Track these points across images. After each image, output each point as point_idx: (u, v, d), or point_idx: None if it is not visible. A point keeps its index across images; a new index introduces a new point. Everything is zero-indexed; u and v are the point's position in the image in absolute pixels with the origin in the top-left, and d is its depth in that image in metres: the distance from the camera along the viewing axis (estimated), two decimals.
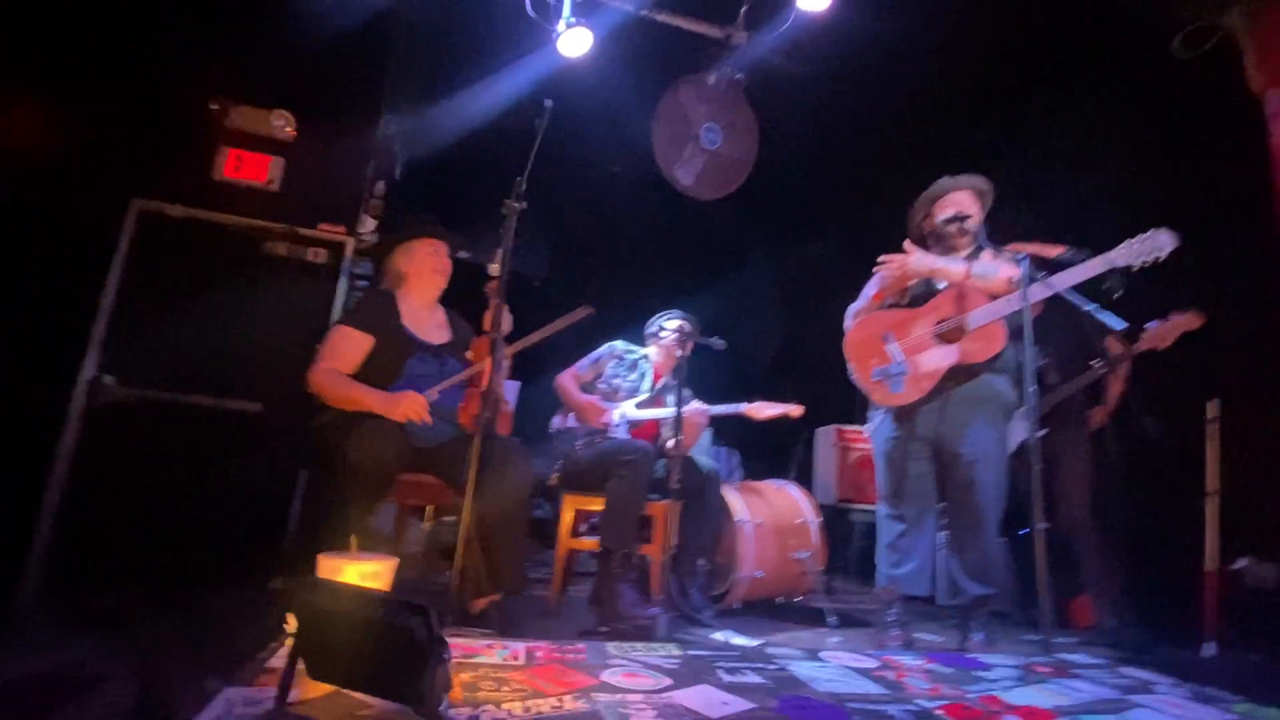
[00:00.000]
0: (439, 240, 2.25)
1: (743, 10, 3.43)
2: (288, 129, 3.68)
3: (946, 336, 2.24)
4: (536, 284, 5.57)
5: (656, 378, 2.75)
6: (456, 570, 1.68)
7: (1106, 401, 2.83)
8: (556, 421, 2.61)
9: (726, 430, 4.67)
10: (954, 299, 2.28)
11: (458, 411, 2.00)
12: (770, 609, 2.69)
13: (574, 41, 3.27)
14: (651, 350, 2.79)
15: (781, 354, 5.64)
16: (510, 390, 2.96)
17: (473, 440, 1.95)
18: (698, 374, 4.02)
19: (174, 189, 3.26)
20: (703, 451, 3.85)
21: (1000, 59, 3.40)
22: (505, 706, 1.15)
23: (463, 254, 4.89)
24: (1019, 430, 2.78)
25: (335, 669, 1.03)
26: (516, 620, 1.91)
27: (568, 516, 2.38)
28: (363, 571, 1.44)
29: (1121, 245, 1.98)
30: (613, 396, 2.63)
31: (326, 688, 1.06)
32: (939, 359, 2.23)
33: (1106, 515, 2.86)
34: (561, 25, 3.19)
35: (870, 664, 1.73)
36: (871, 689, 1.49)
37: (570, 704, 1.20)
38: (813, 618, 2.57)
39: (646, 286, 5.27)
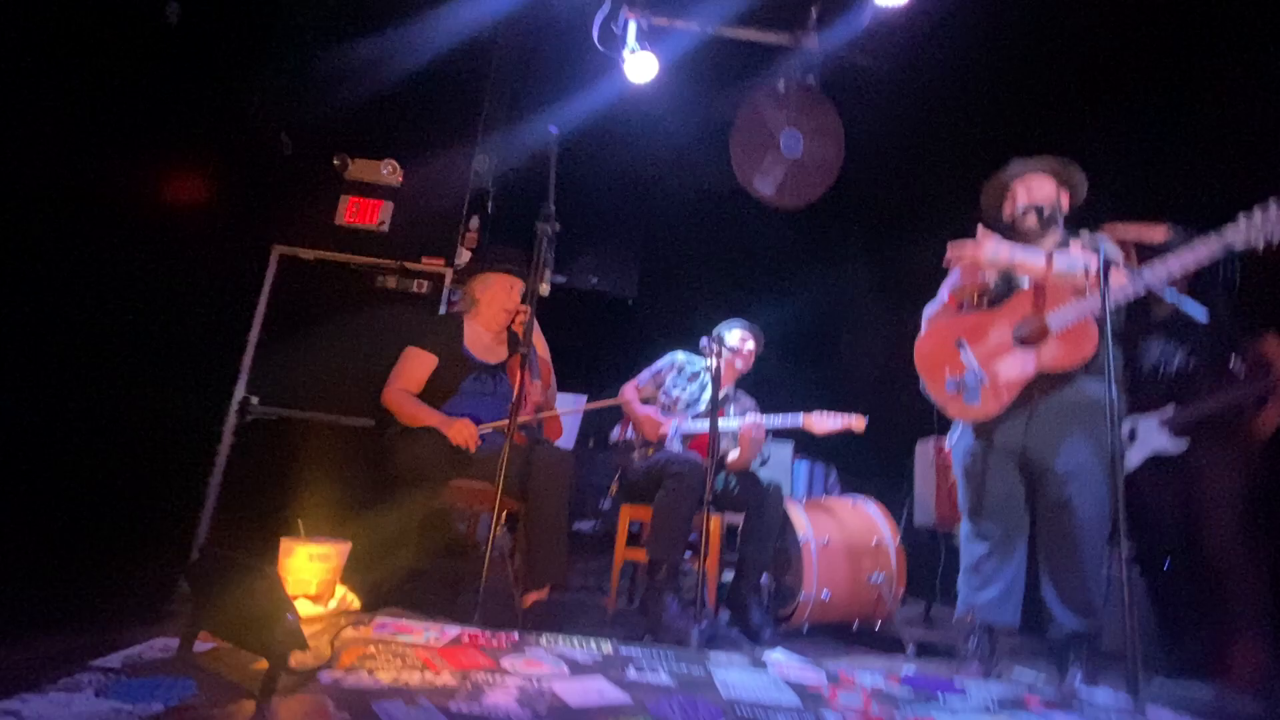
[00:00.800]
0: (517, 279, 2.39)
1: (814, 14, 3.35)
2: (395, 176, 4.15)
3: (1028, 340, 2.02)
4: (630, 302, 5.74)
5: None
6: (512, 570, 1.79)
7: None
8: (616, 433, 2.67)
9: (821, 444, 4.48)
10: (1034, 297, 2.05)
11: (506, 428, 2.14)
12: (843, 633, 2.53)
13: (640, 67, 3.37)
14: (712, 361, 2.77)
15: (881, 361, 5.32)
16: (573, 402, 3.07)
17: (520, 450, 2.09)
18: (781, 385, 3.93)
19: (306, 235, 3.79)
20: (782, 466, 3.73)
21: (1081, 35, 3.03)
22: (377, 674, 1.22)
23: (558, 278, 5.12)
24: (1153, 438, 2.41)
25: (218, 624, 1.23)
26: (564, 622, 1.98)
27: (624, 526, 2.42)
28: (311, 553, 1.61)
29: (1237, 220, 1.70)
30: (672, 408, 2.65)
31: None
32: (1019, 366, 2.00)
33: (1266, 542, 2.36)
34: (626, 53, 3.31)
35: (813, 678, 1.58)
36: (788, 700, 1.37)
37: (444, 679, 1.23)
38: (890, 645, 2.39)
39: (733, 298, 5.24)
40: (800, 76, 3.48)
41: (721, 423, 2.51)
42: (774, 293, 5.10)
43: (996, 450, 2.09)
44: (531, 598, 1.89)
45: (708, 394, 2.69)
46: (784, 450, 3.71)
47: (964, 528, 2.17)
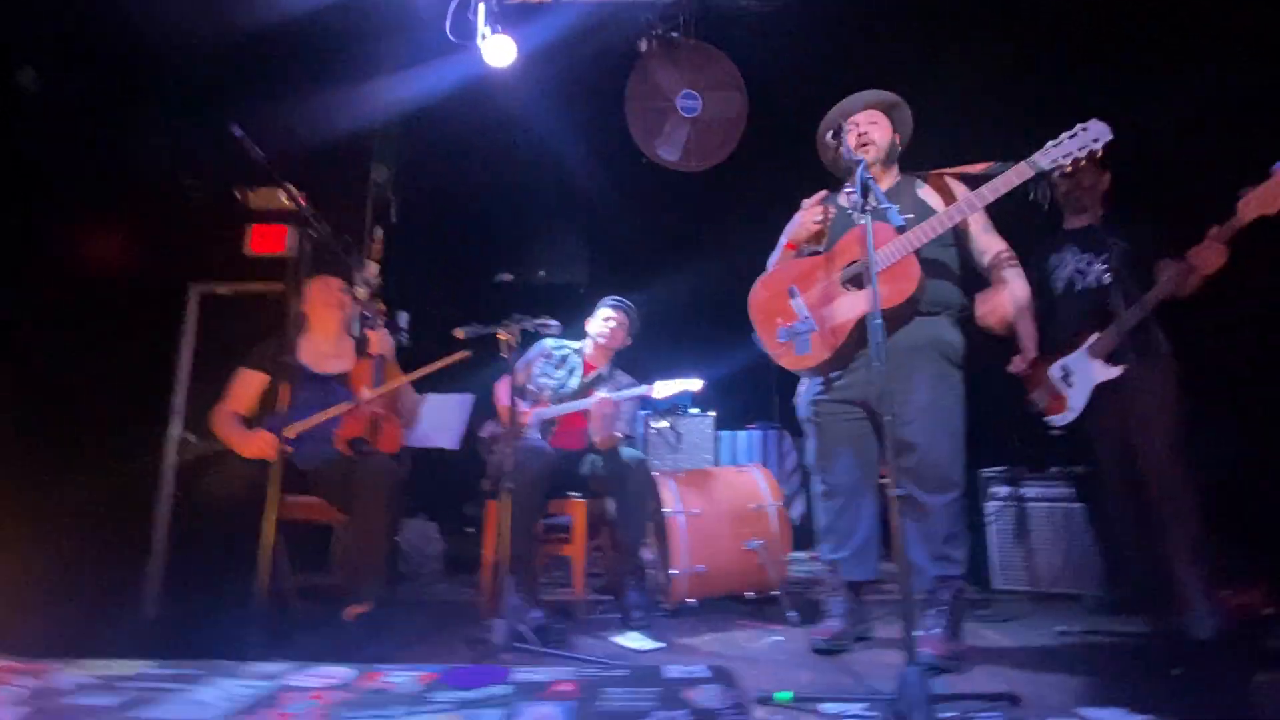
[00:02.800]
0: (331, 277, 2.39)
1: None
2: (295, 200, 4.17)
3: (856, 281, 1.90)
4: (581, 290, 5.67)
5: (587, 371, 2.65)
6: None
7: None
8: (486, 428, 2.63)
9: (765, 412, 4.34)
10: (861, 238, 1.90)
11: (334, 436, 2.12)
12: (735, 605, 2.44)
13: (498, 51, 3.28)
14: (585, 343, 2.70)
15: None
16: (458, 403, 3.04)
17: (343, 461, 2.08)
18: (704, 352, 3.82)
19: (219, 270, 3.86)
20: (704, 440, 3.63)
21: None
22: None
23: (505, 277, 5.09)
24: (1088, 371, 2.23)
25: None
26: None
27: (491, 525, 2.38)
28: None
29: (1045, 147, 1.73)
30: (539, 396, 2.59)
31: None
32: (848, 308, 1.89)
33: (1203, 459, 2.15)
34: (479, 39, 3.22)
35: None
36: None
37: None
38: (777, 614, 2.29)
39: (679, 277, 5.10)
40: (664, 32, 3.31)
41: (574, 403, 2.44)
42: (714, 259, 4.94)
43: (841, 400, 1.97)
44: (353, 611, 1.88)
45: (575, 379, 2.62)
46: (703, 423, 3.60)
47: (815, 485, 2.06)
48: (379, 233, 4.13)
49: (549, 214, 5.35)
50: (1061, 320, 2.31)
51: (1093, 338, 2.20)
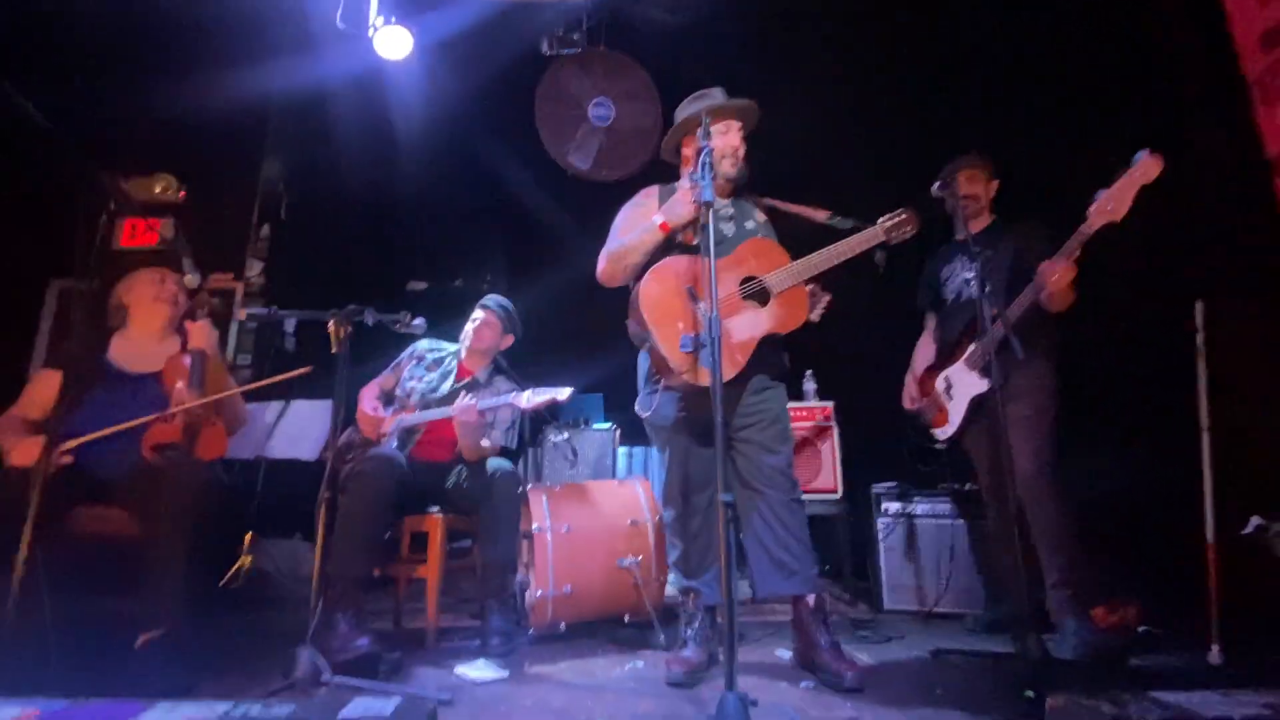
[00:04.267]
0: (166, 270, 2.17)
1: None
2: (173, 190, 3.88)
3: (758, 297, 1.85)
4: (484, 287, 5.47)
5: (463, 374, 2.47)
6: None
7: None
8: (344, 435, 2.41)
9: None
10: (760, 251, 1.89)
11: (140, 442, 1.88)
12: (609, 629, 2.27)
13: (392, 42, 3.13)
14: (460, 347, 2.52)
15: None
16: (326, 413, 2.81)
17: (147, 470, 1.84)
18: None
19: (84, 265, 3.52)
20: (603, 454, 3.48)
21: None
22: None
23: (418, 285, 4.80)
24: (965, 384, 2.18)
25: None
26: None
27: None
28: None
29: (885, 219, 1.87)
30: (406, 403, 2.39)
31: None
32: (750, 325, 1.82)
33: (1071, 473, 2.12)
34: (371, 31, 3.07)
35: None
36: None
37: None
38: (648, 639, 2.13)
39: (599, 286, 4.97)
40: (563, 34, 3.23)
41: (436, 410, 2.26)
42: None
43: (700, 419, 1.85)
44: (143, 637, 1.63)
45: (449, 383, 2.44)
46: (603, 438, 3.45)
47: (669, 513, 1.96)
48: (266, 230, 3.88)
49: (464, 220, 5.17)
50: (948, 331, 2.29)
51: (970, 349, 2.17)
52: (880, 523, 2.71)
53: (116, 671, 1.52)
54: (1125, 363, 2.49)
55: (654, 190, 2.05)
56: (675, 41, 3.68)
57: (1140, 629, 2.05)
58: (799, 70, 3.67)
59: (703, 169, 1.45)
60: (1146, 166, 1.77)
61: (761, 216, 2.03)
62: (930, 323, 2.46)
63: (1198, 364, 1.96)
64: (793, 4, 3.40)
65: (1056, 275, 1.89)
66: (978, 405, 2.16)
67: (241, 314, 2.03)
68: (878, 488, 2.77)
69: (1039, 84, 2.96)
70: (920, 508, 2.68)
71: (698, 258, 1.81)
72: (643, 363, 2.02)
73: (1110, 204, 1.79)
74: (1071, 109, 2.72)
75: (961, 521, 2.61)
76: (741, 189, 2.05)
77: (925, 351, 2.43)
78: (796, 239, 1.96)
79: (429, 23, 3.19)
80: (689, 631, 1.85)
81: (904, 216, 1.85)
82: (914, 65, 3.39)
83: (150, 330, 2.13)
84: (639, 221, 1.94)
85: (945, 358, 2.29)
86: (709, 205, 1.45)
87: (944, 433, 2.28)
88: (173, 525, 1.70)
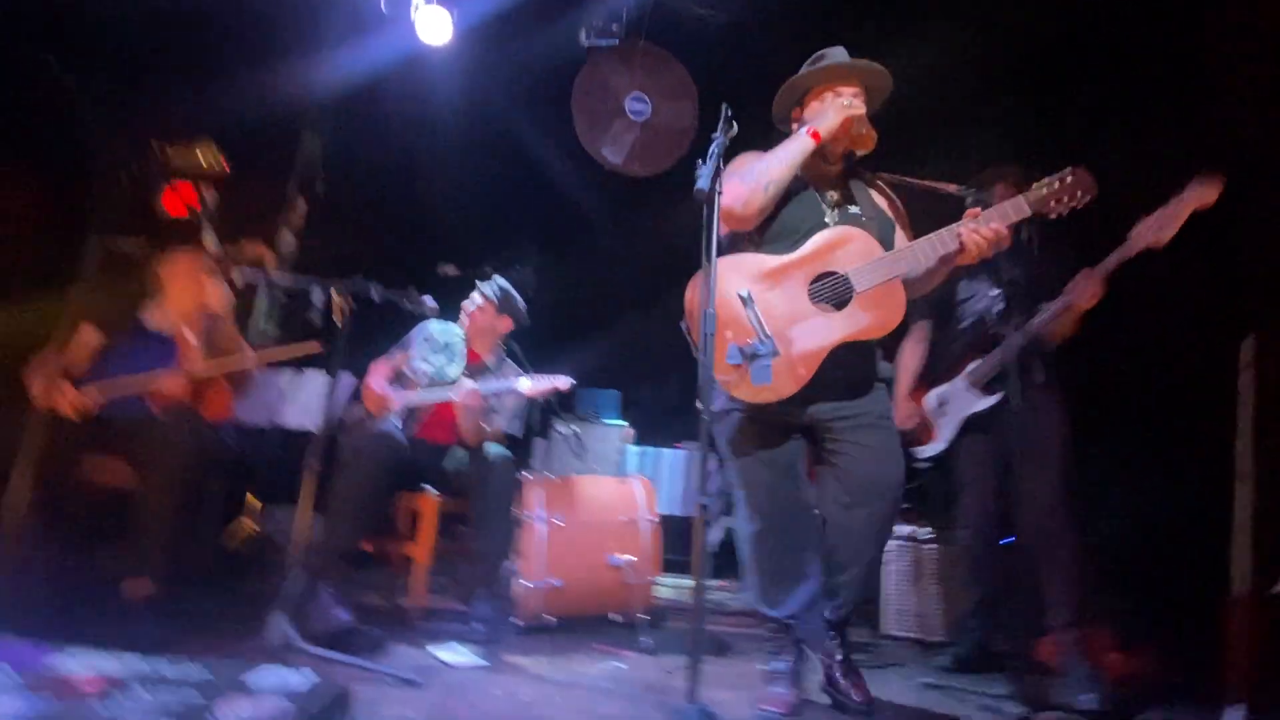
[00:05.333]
0: (198, 251, 2.25)
1: None
2: (215, 160, 3.99)
3: (832, 298, 1.57)
4: (530, 291, 5.49)
5: (473, 359, 2.47)
6: None
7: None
8: (352, 410, 2.43)
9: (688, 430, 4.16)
10: (838, 243, 1.57)
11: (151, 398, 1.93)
12: (596, 627, 2.23)
13: (432, 24, 3.15)
14: (461, 323, 2.52)
15: None
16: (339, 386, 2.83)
17: (148, 424, 1.88)
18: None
19: (124, 224, 3.65)
20: (611, 453, 3.45)
21: None
22: None
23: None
24: (961, 401, 2.10)
25: None
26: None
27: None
28: None
29: (1039, 186, 1.52)
30: (413, 383, 2.40)
31: None
32: (821, 333, 1.53)
33: (1089, 516, 2.00)
34: (414, 10, 3.09)
35: None
36: None
37: None
38: (634, 640, 2.09)
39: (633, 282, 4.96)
40: (602, 24, 3.21)
41: (439, 391, 2.26)
42: (663, 264, 4.80)
43: (769, 427, 1.64)
44: (134, 588, 1.66)
45: (456, 366, 2.44)
46: (614, 434, 3.42)
47: (747, 530, 1.67)
48: (301, 203, 3.96)
49: (497, 207, 5.20)
50: (952, 345, 2.18)
51: (972, 365, 2.07)
52: (888, 546, 2.61)
53: (94, 618, 1.54)
54: (1155, 396, 2.35)
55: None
56: (716, 39, 3.63)
57: (1153, 678, 1.92)
58: None
59: (710, 158, 1.36)
60: (1203, 191, 1.66)
61: (880, 200, 1.73)
62: (920, 332, 2.28)
63: (1240, 404, 1.83)
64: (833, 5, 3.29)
65: (1090, 292, 1.78)
66: (973, 426, 2.06)
67: (235, 276, 2.07)
68: None
69: (1105, 89, 2.79)
70: (927, 532, 2.58)
71: (762, 256, 1.61)
72: None
73: (1157, 226, 1.68)
74: (1123, 121, 2.57)
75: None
76: (854, 166, 1.72)
77: (910, 364, 2.27)
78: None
79: (469, 5, 3.20)
80: (775, 665, 1.64)
81: (1071, 179, 1.47)
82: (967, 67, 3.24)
83: (181, 301, 2.19)
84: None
85: (940, 373, 2.18)
86: (705, 200, 1.35)
87: (927, 451, 2.18)
88: (167, 479, 1.73)
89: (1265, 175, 1.89)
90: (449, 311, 2.47)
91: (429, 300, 2.11)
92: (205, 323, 2.06)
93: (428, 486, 2.23)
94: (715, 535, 3.80)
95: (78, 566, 1.73)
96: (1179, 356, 2.26)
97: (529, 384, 2.09)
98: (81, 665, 0.63)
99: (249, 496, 2.78)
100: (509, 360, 2.55)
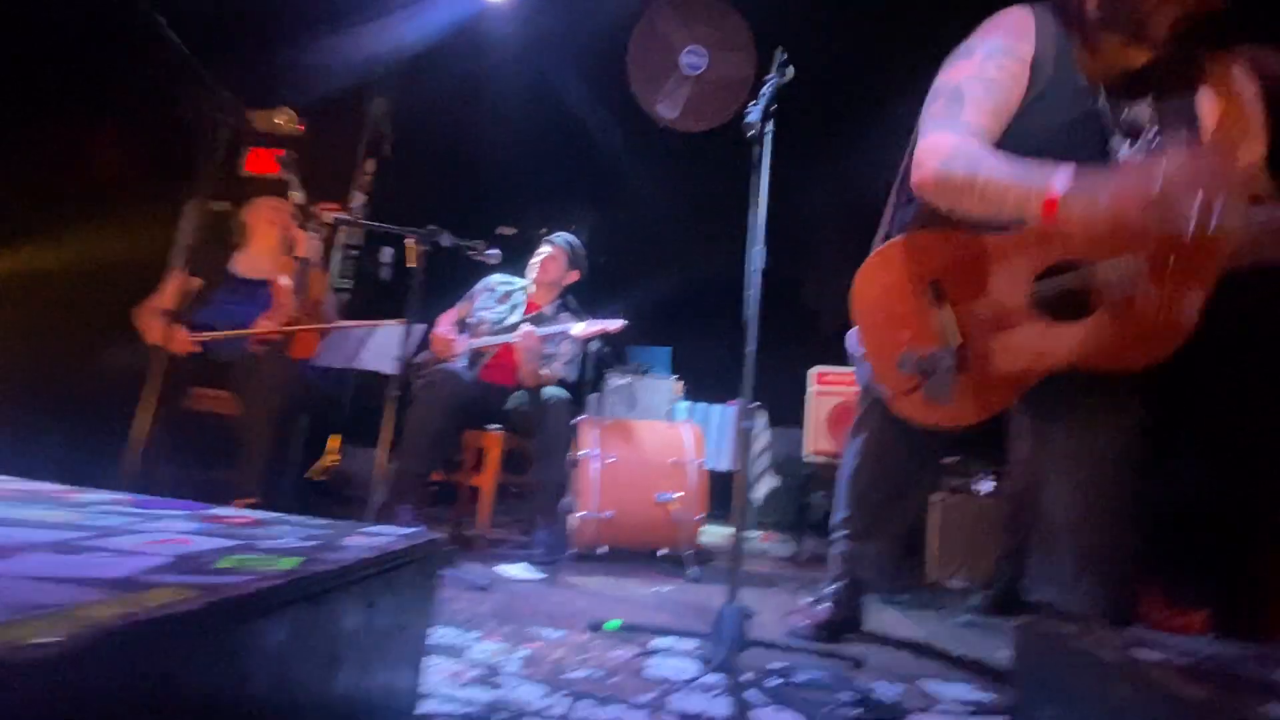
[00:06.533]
0: (281, 199, 2.43)
1: None
2: (293, 123, 4.22)
3: (1061, 303, 1.08)
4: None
5: (531, 309, 2.60)
6: None
7: None
8: (422, 354, 2.61)
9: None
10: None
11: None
12: (645, 558, 2.38)
13: None
14: (528, 283, 2.65)
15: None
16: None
17: (250, 359, 2.10)
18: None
19: (215, 188, 3.95)
20: (661, 401, 3.55)
21: None
22: None
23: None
24: None
25: None
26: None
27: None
28: None
29: None
30: (477, 330, 2.56)
31: None
32: (1032, 349, 1.11)
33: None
34: None
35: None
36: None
37: None
38: (681, 571, 2.22)
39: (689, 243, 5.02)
40: None
41: (500, 336, 2.40)
42: (728, 226, 4.83)
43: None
44: (240, 502, 1.89)
45: (517, 314, 2.58)
46: (665, 387, 3.52)
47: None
48: (370, 165, 4.16)
49: (554, 168, 5.30)
50: None
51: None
52: (933, 496, 2.64)
53: None
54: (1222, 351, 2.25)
55: (1029, 22, 1.12)
56: None
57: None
58: (899, 28, 3.46)
59: (762, 99, 1.38)
60: None
61: (1204, 104, 1.07)
62: None
63: None
64: None
65: None
66: None
67: (329, 217, 2.26)
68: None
69: None
70: (985, 485, 2.59)
71: (971, 234, 1.13)
72: None
73: None
74: None
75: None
76: (1187, 43, 1.05)
77: None
78: None
79: None
80: (828, 589, 1.61)
81: None
82: None
83: (266, 247, 2.40)
84: (1001, 88, 1.10)
85: None
86: (754, 135, 1.31)
87: None
88: (264, 407, 1.94)
89: None
90: (511, 265, 2.61)
91: (493, 251, 2.24)
92: (297, 269, 2.25)
93: (492, 426, 2.39)
94: (762, 490, 3.90)
95: (195, 485, 1.98)
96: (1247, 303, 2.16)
97: (582, 327, 2.21)
98: (233, 512, 0.79)
99: (336, 436, 3.03)
100: (566, 311, 2.67)
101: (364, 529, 0.75)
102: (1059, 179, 0.87)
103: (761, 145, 1.36)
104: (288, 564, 0.54)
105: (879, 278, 1.26)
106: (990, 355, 1.13)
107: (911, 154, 1.21)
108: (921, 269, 1.19)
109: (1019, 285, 1.10)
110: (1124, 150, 1.09)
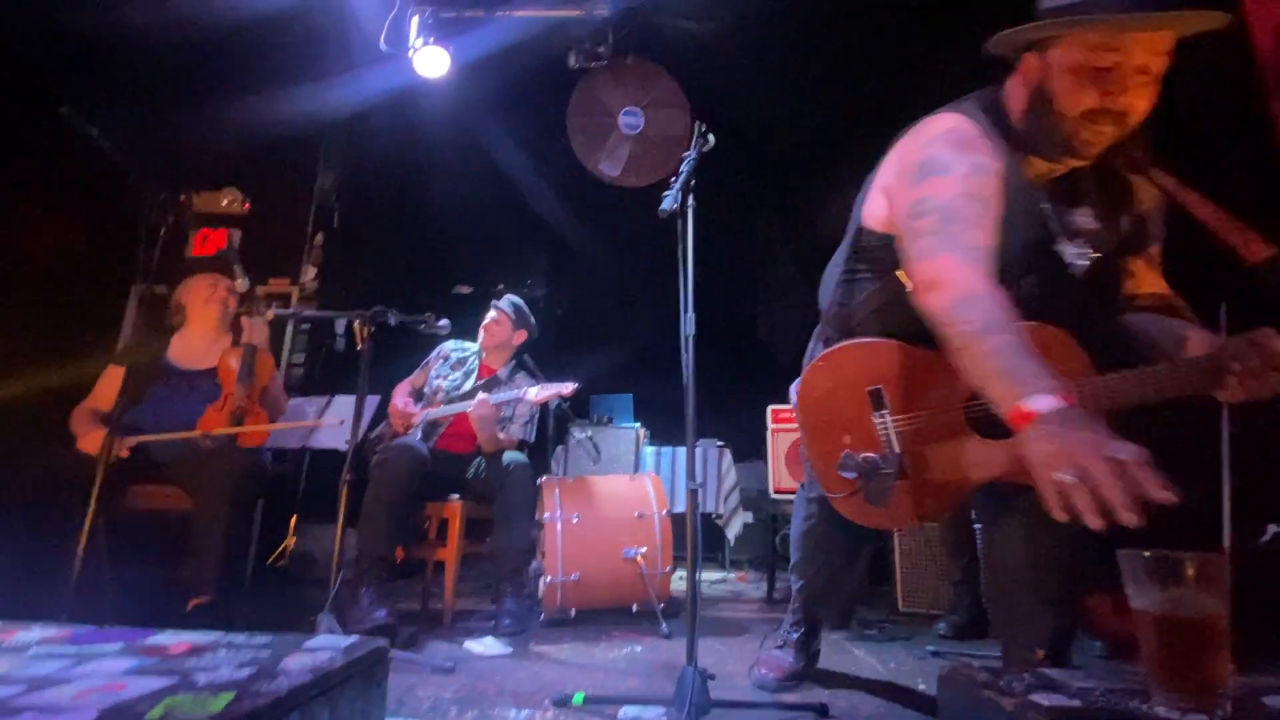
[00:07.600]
0: (219, 275, 2.42)
1: None
2: (239, 204, 4.23)
3: (992, 423, 1.07)
4: (540, 305, 5.69)
5: (485, 373, 2.63)
6: None
7: None
8: (379, 427, 2.60)
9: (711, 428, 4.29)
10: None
11: (198, 424, 2.12)
12: (616, 617, 2.37)
13: (430, 61, 3.34)
14: (480, 340, 2.69)
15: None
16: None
17: (196, 453, 2.06)
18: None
19: (159, 271, 3.90)
20: (625, 452, 3.58)
21: None
22: None
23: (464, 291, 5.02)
24: None
25: None
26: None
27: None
28: None
29: None
30: (433, 399, 2.57)
31: None
32: (970, 460, 1.13)
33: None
34: (411, 52, 3.28)
35: None
36: None
37: None
38: (654, 628, 2.22)
39: (640, 291, 5.15)
40: (590, 47, 3.36)
41: (456, 405, 2.42)
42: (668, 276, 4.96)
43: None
44: (193, 602, 1.84)
45: (471, 381, 2.60)
46: (628, 436, 3.56)
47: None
48: (320, 238, 4.18)
49: (506, 228, 5.41)
50: None
51: None
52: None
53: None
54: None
55: (978, 133, 1.13)
56: (703, 48, 3.77)
57: None
58: (828, 73, 3.70)
59: (678, 179, 1.47)
60: None
61: (1150, 203, 1.18)
62: None
63: None
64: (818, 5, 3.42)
65: None
66: None
67: (269, 313, 2.27)
68: None
69: None
70: None
71: (912, 346, 1.19)
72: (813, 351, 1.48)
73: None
74: None
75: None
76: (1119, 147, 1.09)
77: None
78: None
79: (464, 42, 3.39)
80: (791, 635, 1.65)
81: None
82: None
83: (204, 329, 2.38)
84: (993, 206, 1.08)
85: None
86: (670, 217, 1.41)
87: None
88: (217, 501, 1.91)
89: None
90: (464, 331, 2.65)
91: (443, 322, 2.27)
92: (243, 354, 2.24)
93: (453, 495, 2.39)
94: (735, 529, 3.92)
95: (146, 586, 1.92)
96: None
97: (536, 391, 2.24)
98: (170, 639, 0.79)
99: (294, 517, 2.97)
100: (521, 372, 2.71)
101: (305, 644, 0.76)
102: (1043, 400, 0.85)
103: (684, 220, 1.44)
104: (220, 703, 0.56)
105: (821, 383, 1.29)
106: (927, 464, 1.16)
107: (859, 227, 1.28)
108: (862, 376, 1.23)
109: (954, 401, 1.15)
110: (1069, 253, 1.14)
